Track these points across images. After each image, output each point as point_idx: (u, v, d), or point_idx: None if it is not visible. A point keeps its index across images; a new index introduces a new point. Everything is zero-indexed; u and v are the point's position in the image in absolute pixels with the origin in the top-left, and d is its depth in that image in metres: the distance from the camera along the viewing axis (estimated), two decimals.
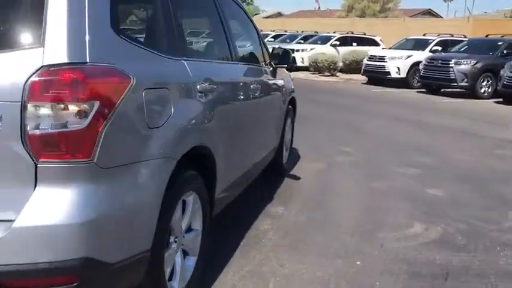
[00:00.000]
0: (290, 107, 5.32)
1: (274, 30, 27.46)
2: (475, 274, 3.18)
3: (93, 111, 1.80)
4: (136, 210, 2.04)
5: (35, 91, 1.75)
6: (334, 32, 23.37)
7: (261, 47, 4.54)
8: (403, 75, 16.42)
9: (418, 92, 15.37)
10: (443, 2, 71.95)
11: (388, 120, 9.58)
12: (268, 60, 4.60)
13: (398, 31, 23.58)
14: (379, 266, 3.22)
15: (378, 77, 16.90)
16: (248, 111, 3.69)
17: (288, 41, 23.63)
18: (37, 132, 1.77)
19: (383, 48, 20.21)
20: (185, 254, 2.63)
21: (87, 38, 1.86)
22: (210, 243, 2.95)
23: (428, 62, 14.90)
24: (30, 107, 1.75)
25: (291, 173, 5.42)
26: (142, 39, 2.50)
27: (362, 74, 17.89)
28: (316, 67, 19.75)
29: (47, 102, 1.76)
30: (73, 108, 1.78)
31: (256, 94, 3.85)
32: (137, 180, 2.04)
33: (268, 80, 4.43)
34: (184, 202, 2.54)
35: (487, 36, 16.81)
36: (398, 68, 16.42)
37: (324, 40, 22.22)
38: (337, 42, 21.53)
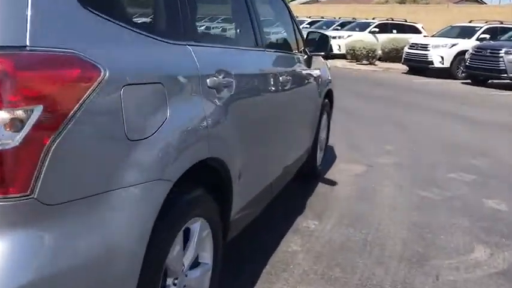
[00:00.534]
0: (326, 100, 4.66)
1: (310, 17, 26.61)
2: None
3: (31, 120, 1.18)
4: (107, 260, 1.41)
5: None
6: (373, 19, 22.39)
7: (294, 32, 3.89)
8: (446, 64, 15.42)
9: (462, 83, 14.40)
10: None
11: (433, 115, 8.72)
12: (302, 48, 3.95)
13: (441, 18, 22.64)
14: None
15: (419, 66, 16.01)
16: (276, 109, 3.02)
17: (324, 27, 22.71)
18: None
19: (425, 36, 19.14)
20: None
21: (28, 9, 1.23)
22: (222, 272, 2.33)
23: (475, 51, 13.87)
24: None
25: (326, 177, 4.75)
26: (126, 15, 1.80)
27: (402, 63, 16.96)
28: (353, 55, 18.93)
29: None
30: None
31: (287, 87, 3.19)
32: (108, 218, 1.40)
33: (302, 70, 3.78)
34: (187, 230, 1.93)
35: None
36: (442, 57, 15.44)
37: (362, 27, 21.27)
38: (376, 29, 20.58)
